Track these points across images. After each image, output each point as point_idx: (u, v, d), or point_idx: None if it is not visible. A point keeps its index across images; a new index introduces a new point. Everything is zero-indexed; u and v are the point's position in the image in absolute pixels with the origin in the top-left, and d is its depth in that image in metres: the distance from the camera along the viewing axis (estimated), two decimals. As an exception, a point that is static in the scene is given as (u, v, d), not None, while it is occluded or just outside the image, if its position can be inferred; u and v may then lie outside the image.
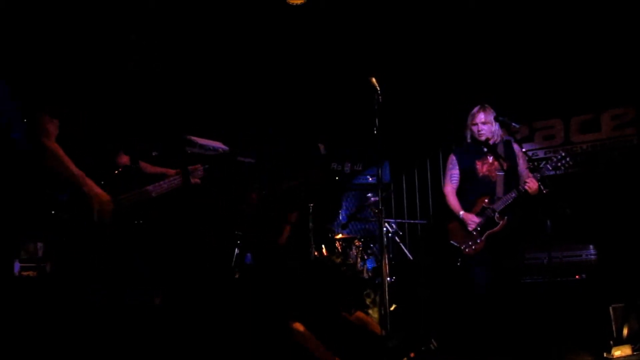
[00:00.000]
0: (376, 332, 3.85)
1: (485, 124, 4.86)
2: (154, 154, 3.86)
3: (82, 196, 3.17)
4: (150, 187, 3.47)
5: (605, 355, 4.25)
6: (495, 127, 4.88)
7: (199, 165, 3.82)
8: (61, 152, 3.17)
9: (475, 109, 4.92)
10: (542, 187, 4.61)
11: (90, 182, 3.19)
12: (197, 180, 3.79)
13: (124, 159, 3.51)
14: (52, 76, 3.31)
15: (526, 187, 4.65)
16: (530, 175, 4.73)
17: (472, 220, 4.76)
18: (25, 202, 3.30)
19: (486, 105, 4.94)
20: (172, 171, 3.70)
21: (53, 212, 3.14)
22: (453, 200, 4.92)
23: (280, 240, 4.67)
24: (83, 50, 3.46)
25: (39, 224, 3.26)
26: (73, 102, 3.29)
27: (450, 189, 4.97)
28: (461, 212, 4.83)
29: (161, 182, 3.54)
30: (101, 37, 3.57)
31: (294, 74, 6.43)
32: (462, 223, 4.80)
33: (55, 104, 3.23)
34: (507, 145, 4.96)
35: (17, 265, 3.76)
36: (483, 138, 4.87)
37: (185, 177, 3.56)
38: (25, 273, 3.80)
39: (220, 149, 4.20)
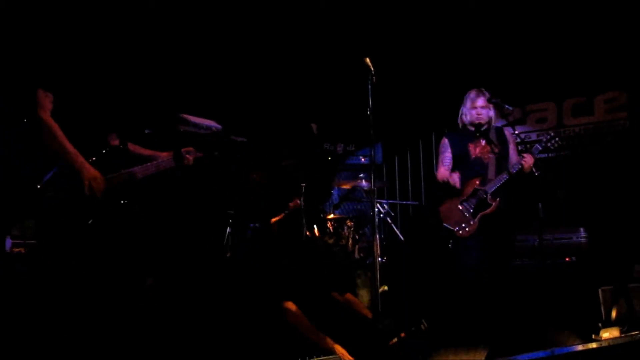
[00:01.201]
0: (365, 315, 3.86)
1: (484, 108, 4.85)
2: (146, 131, 3.83)
3: (74, 173, 3.16)
4: (136, 169, 3.45)
5: (593, 337, 4.27)
6: (491, 111, 4.88)
7: (191, 148, 3.80)
8: (56, 127, 3.17)
9: (473, 93, 4.88)
10: (533, 169, 4.63)
11: (83, 160, 3.19)
12: (189, 161, 3.76)
13: (116, 142, 3.49)
14: (47, 49, 3.29)
15: (522, 162, 4.66)
16: (525, 154, 4.74)
17: (457, 179, 4.77)
18: (15, 180, 3.29)
19: (482, 89, 4.92)
20: (162, 154, 3.68)
21: (37, 189, 3.13)
22: (444, 173, 4.89)
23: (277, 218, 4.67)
24: (77, 25, 3.43)
25: (24, 202, 3.25)
26: (66, 75, 3.27)
27: (443, 171, 4.96)
28: (452, 175, 4.81)
29: (148, 164, 3.52)
30: (96, 15, 3.54)
31: (288, 53, 6.39)
32: (453, 203, 4.79)
33: (49, 77, 3.21)
34: (499, 130, 4.97)
35: (8, 242, 3.76)
36: (483, 121, 4.86)
37: (177, 159, 3.53)
38: (16, 249, 3.81)
39: (213, 128, 4.18)
